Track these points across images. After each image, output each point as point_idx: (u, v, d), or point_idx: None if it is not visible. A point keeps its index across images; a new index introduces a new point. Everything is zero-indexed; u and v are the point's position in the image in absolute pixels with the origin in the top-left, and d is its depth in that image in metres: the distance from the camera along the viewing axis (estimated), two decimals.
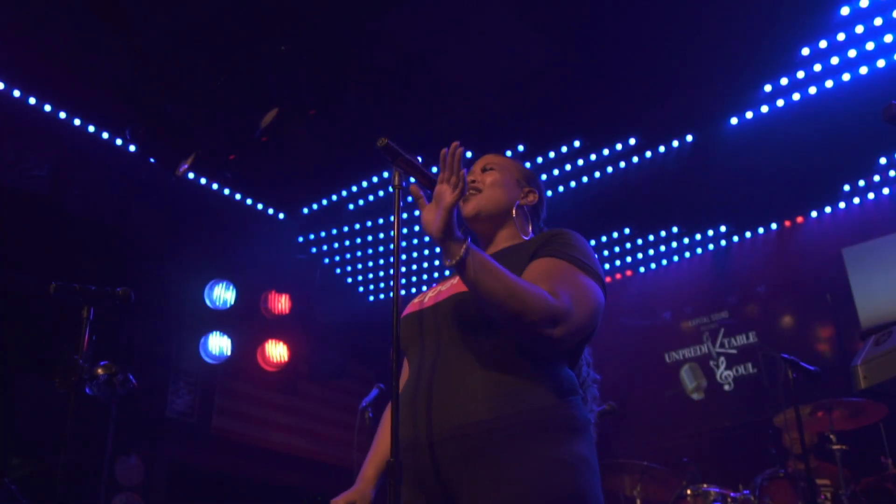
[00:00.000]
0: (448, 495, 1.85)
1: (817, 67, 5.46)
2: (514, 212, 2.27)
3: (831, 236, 6.68)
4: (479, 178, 2.31)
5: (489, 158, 2.39)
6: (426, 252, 7.47)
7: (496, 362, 1.90)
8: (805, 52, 5.38)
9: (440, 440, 1.85)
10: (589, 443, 1.91)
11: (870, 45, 5.26)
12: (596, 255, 2.08)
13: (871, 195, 6.55)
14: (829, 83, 5.54)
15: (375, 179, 6.71)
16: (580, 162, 6.36)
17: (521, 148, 6.24)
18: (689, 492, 4.90)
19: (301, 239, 7.47)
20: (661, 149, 6.20)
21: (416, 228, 7.15)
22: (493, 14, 5.20)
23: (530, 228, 2.30)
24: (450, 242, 1.83)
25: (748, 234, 7.18)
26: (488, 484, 1.79)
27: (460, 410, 1.86)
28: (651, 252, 7.47)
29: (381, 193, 6.85)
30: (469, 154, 6.87)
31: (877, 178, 6.38)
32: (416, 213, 7.65)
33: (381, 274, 7.80)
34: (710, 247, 7.36)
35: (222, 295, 6.91)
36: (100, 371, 3.46)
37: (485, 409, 1.84)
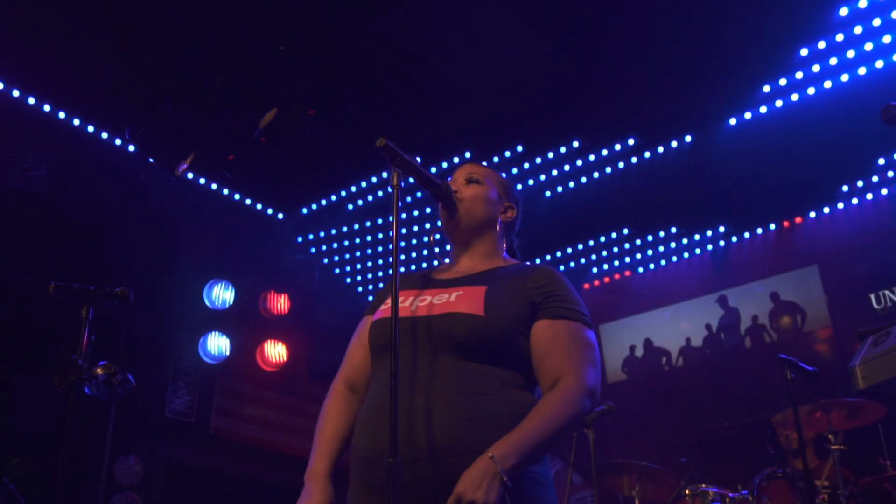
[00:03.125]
0: None
1: (816, 68, 5.47)
2: (492, 227, 2.30)
3: (830, 237, 6.69)
4: (462, 189, 2.30)
5: (472, 168, 2.37)
6: (425, 252, 7.47)
7: (482, 387, 1.95)
8: (804, 52, 5.38)
9: (425, 457, 1.85)
10: (547, 464, 2.04)
11: (868, 46, 5.26)
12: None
13: (869, 196, 6.56)
14: (827, 84, 5.55)
15: (374, 180, 6.71)
16: (579, 162, 6.37)
17: (519, 148, 6.24)
18: (687, 492, 4.89)
19: (300, 239, 7.47)
20: (660, 149, 6.21)
21: (415, 228, 7.16)
22: (493, 15, 5.20)
23: (504, 244, 2.35)
24: (501, 482, 1.79)
25: (747, 235, 7.18)
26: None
27: (442, 431, 1.88)
28: (650, 252, 7.48)
29: (380, 194, 6.86)
30: (468, 154, 6.82)
31: (875, 178, 6.39)
32: (416, 213, 7.61)
33: (381, 274, 7.80)
34: (709, 247, 7.37)
35: (221, 295, 6.91)
36: (99, 371, 3.46)
37: (465, 432, 1.87)
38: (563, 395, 1.96)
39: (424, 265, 7.64)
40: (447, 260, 2.38)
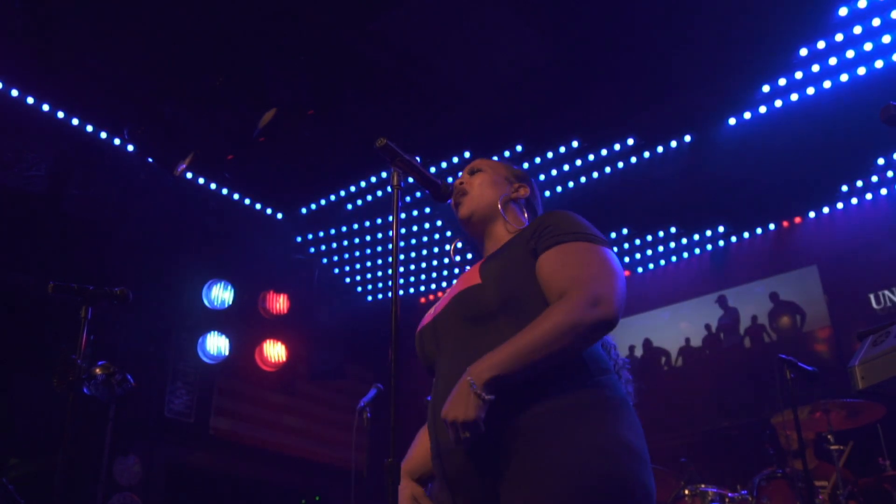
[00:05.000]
0: (486, 494, 1.82)
1: (815, 68, 5.47)
2: (505, 206, 2.26)
3: (829, 237, 6.69)
4: (467, 181, 2.31)
5: (476, 162, 2.38)
6: (424, 252, 7.47)
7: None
8: (803, 52, 5.38)
9: (452, 447, 1.83)
10: (630, 424, 1.85)
11: (868, 46, 5.26)
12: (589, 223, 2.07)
13: (868, 196, 6.55)
14: (827, 84, 5.55)
15: (374, 179, 6.71)
16: (578, 162, 6.37)
17: (519, 148, 6.24)
18: (687, 492, 4.89)
19: (299, 239, 7.47)
20: (660, 149, 6.21)
21: (415, 228, 7.16)
22: (492, 15, 5.20)
23: (526, 218, 2.28)
24: (476, 396, 1.75)
25: (746, 235, 7.18)
26: (523, 478, 1.74)
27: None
28: (649, 252, 7.48)
29: (379, 193, 6.85)
30: (467, 154, 6.83)
31: (875, 178, 6.39)
32: (415, 212, 7.63)
33: (380, 274, 7.80)
34: (709, 247, 7.37)
35: (220, 295, 6.91)
36: (98, 371, 3.46)
37: (508, 404, 1.78)
38: (557, 305, 1.81)
39: (424, 265, 7.65)
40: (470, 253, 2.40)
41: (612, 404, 1.84)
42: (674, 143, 6.16)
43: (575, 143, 6.23)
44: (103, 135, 5.98)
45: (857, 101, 5.39)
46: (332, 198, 6.95)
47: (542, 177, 6.48)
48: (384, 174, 6.57)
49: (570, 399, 1.80)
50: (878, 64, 5.31)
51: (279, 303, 7.27)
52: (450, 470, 1.89)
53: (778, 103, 5.73)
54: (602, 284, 1.84)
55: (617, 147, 6.22)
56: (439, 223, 7.11)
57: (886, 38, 5.17)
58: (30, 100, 5.63)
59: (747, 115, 5.84)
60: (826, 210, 6.75)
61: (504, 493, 1.78)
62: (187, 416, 6.99)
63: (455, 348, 1.97)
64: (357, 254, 7.60)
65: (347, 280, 7.86)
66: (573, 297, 1.80)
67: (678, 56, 5.38)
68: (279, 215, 7.19)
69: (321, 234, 7.43)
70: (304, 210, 7.13)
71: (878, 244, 6.34)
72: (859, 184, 6.46)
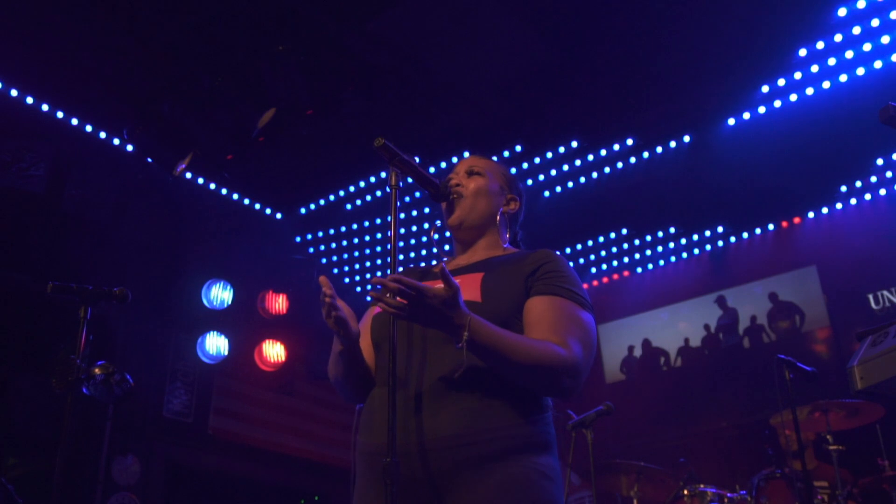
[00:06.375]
0: (434, 498, 1.86)
1: (814, 68, 5.46)
2: (495, 220, 2.27)
3: (828, 238, 6.69)
4: (464, 182, 2.28)
5: (474, 161, 2.35)
6: (423, 252, 7.47)
7: (478, 378, 1.91)
8: (802, 53, 5.38)
9: (430, 448, 1.86)
10: (556, 457, 1.99)
11: (867, 47, 5.26)
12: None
13: (867, 196, 6.56)
14: (826, 84, 5.55)
15: (373, 179, 6.71)
16: (578, 162, 6.37)
17: (518, 148, 6.24)
18: (685, 492, 4.89)
19: (298, 239, 7.47)
20: (659, 149, 6.21)
21: (414, 228, 7.16)
22: (491, 14, 5.20)
23: (507, 235, 2.32)
24: (450, 318, 1.82)
25: (745, 235, 7.18)
26: (473, 487, 1.82)
27: (447, 422, 1.87)
28: (648, 252, 7.48)
29: (378, 193, 6.85)
30: (466, 154, 6.86)
31: (874, 179, 6.39)
32: (414, 212, 7.61)
33: (379, 274, 7.79)
34: (708, 247, 7.37)
35: (219, 295, 6.91)
36: (97, 371, 3.46)
37: (466, 423, 1.86)
38: (555, 345, 1.90)
39: (423, 264, 7.64)
40: (446, 257, 2.37)
41: (548, 440, 1.96)
42: (673, 144, 6.16)
43: (574, 143, 6.22)
44: (102, 134, 5.98)
45: (856, 101, 5.39)
46: (332, 198, 6.95)
47: (541, 177, 6.48)
48: (383, 174, 6.57)
49: (517, 432, 1.90)
50: (878, 64, 5.31)
51: (278, 303, 7.27)
52: (407, 470, 1.86)
53: (777, 104, 5.73)
54: (582, 354, 1.95)
55: (616, 147, 6.21)
56: (439, 223, 7.10)
57: (885, 39, 5.17)
58: (29, 99, 5.63)
59: (746, 116, 5.84)
60: (825, 210, 6.76)
61: (451, 500, 1.84)
62: (186, 416, 6.98)
63: (431, 348, 1.97)
64: (356, 254, 7.59)
65: (346, 280, 7.86)
66: (566, 355, 1.91)
67: (678, 56, 5.37)
68: (278, 215, 7.18)
69: (320, 234, 7.43)
70: (303, 210, 7.13)
71: (877, 245, 6.35)
72: (858, 184, 6.47)
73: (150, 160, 5.86)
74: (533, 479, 1.86)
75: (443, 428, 1.86)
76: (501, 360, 1.86)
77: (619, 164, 6.37)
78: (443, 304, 1.79)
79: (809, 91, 5.62)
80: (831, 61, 5.39)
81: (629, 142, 6.18)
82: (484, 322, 1.85)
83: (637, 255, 7.51)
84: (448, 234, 2.32)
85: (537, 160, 6.33)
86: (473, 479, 1.83)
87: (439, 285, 1.80)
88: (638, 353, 7.76)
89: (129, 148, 5.93)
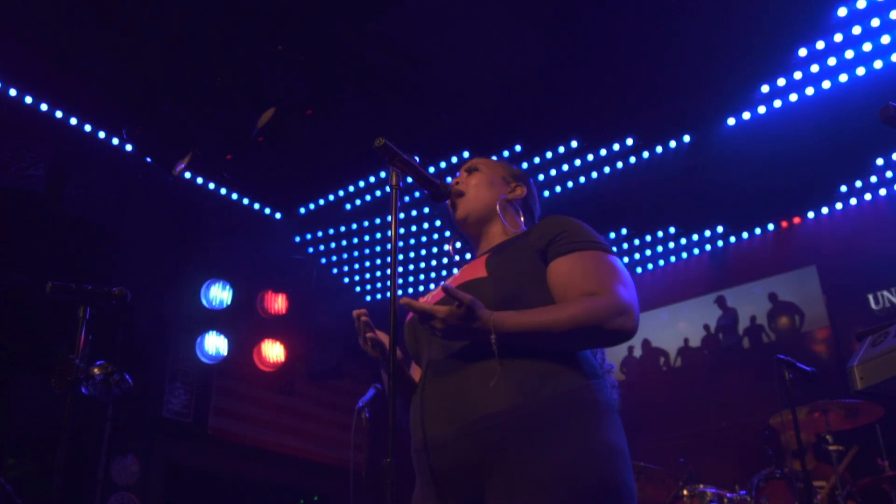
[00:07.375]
0: (475, 490, 1.83)
1: (814, 68, 5.46)
2: (501, 207, 2.27)
3: (828, 238, 6.68)
4: (464, 181, 2.31)
5: (473, 161, 2.39)
6: (423, 252, 7.47)
7: (509, 352, 1.85)
8: (802, 52, 5.38)
9: (462, 435, 1.83)
10: (616, 427, 1.87)
11: (867, 46, 5.26)
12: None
13: (867, 196, 6.55)
14: (826, 84, 5.54)
15: (373, 179, 6.70)
16: (577, 162, 6.37)
17: (518, 148, 6.24)
18: (685, 492, 4.89)
19: (298, 239, 7.47)
20: (659, 149, 6.20)
21: (413, 228, 7.15)
22: (491, 14, 5.20)
23: (522, 221, 2.31)
24: (475, 329, 1.82)
25: (745, 235, 7.18)
26: (515, 475, 1.76)
27: (480, 402, 1.83)
28: (648, 252, 7.47)
29: (378, 193, 6.85)
30: (466, 154, 6.83)
31: (874, 179, 6.39)
32: (414, 212, 7.60)
33: (378, 274, 7.79)
34: (708, 247, 7.37)
35: (219, 294, 6.90)
36: (96, 371, 3.45)
37: (506, 398, 1.81)
38: (589, 298, 1.86)
39: (423, 265, 7.64)
40: (457, 256, 2.42)
41: (602, 409, 1.86)
42: (673, 144, 6.15)
43: (574, 143, 6.22)
44: (102, 134, 5.98)
45: (856, 101, 5.39)
46: (331, 198, 6.94)
47: (541, 177, 6.48)
48: (383, 174, 6.57)
49: (563, 401, 1.82)
50: (878, 64, 5.31)
51: (278, 303, 7.27)
52: (437, 465, 1.87)
53: (777, 104, 5.73)
54: (630, 296, 1.90)
55: (616, 147, 6.21)
56: (438, 223, 7.11)
57: (885, 39, 5.17)
58: (28, 99, 5.62)
59: (746, 116, 5.83)
60: (825, 210, 6.75)
61: (494, 491, 1.79)
62: (185, 415, 6.98)
63: (455, 344, 1.96)
64: (356, 254, 7.59)
65: (346, 280, 7.86)
66: (603, 299, 1.86)
67: (677, 56, 5.37)
68: (278, 215, 7.18)
69: (320, 233, 7.43)
70: (302, 210, 7.12)
71: (876, 245, 6.34)
72: (858, 184, 6.46)
73: (149, 160, 5.85)
74: (582, 462, 1.75)
75: (479, 409, 1.83)
76: (544, 338, 1.83)
77: (619, 164, 6.37)
78: (461, 319, 1.80)
79: (809, 91, 5.61)
80: (831, 61, 5.39)
81: (629, 142, 6.17)
82: (508, 314, 1.83)
83: (637, 255, 7.51)
84: (460, 244, 2.35)
85: (537, 160, 6.33)
86: (513, 467, 1.77)
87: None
88: (638, 353, 7.76)
89: (129, 148, 5.93)
